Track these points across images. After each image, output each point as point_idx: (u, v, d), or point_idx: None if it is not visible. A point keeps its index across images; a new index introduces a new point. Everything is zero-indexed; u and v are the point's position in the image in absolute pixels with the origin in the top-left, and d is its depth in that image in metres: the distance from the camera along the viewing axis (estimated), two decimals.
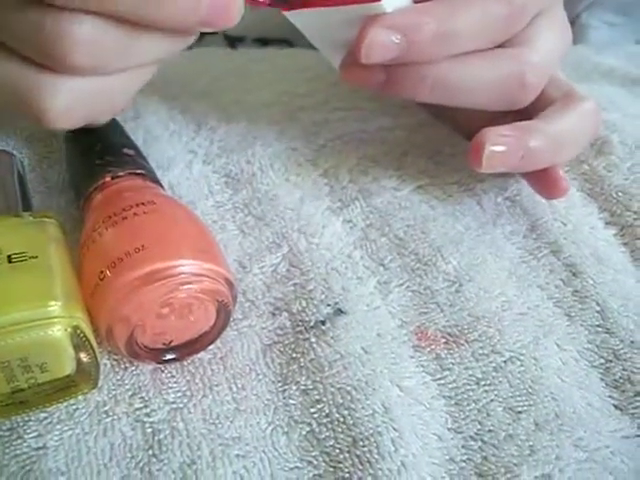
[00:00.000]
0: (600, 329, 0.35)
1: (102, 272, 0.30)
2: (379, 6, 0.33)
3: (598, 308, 0.36)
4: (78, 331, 0.28)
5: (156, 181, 0.36)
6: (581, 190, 0.42)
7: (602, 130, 0.45)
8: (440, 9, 0.34)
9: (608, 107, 0.47)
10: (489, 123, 0.37)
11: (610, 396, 0.33)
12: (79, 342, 0.29)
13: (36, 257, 0.29)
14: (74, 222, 0.37)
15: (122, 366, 0.32)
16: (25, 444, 0.29)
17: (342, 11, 0.34)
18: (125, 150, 0.37)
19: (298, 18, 0.36)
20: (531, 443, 0.30)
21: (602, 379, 0.34)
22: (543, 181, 0.39)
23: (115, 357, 0.32)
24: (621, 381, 0.34)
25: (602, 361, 0.34)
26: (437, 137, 0.45)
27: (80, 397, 0.31)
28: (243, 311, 0.35)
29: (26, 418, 0.30)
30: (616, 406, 0.33)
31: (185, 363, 0.32)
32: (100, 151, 0.37)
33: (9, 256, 0.29)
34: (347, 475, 0.29)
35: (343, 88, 0.49)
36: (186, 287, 0.30)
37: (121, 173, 0.35)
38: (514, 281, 0.37)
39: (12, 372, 0.28)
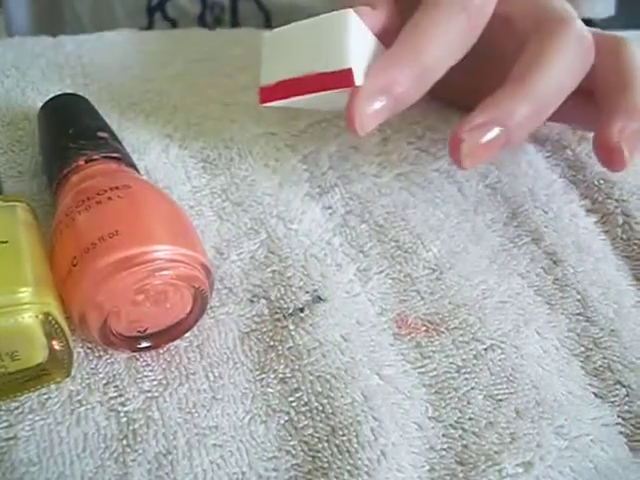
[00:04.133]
0: (580, 317, 0.35)
1: (75, 258, 0.29)
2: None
3: (579, 297, 0.36)
4: (50, 318, 0.28)
5: (131, 165, 0.36)
6: (563, 177, 0.42)
7: None
8: (407, 50, 0.34)
9: None
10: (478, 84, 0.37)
11: (590, 384, 0.33)
12: (51, 329, 0.28)
13: (6, 242, 0.29)
14: (47, 207, 0.36)
15: (96, 354, 0.31)
16: None
17: (319, 96, 0.34)
18: (99, 133, 0.36)
19: (277, 104, 0.36)
20: (512, 431, 0.30)
21: (582, 367, 0.34)
22: (598, 151, 0.38)
23: (89, 345, 0.31)
24: (601, 369, 0.33)
25: (582, 349, 0.34)
26: (418, 124, 0.45)
27: (52, 386, 0.30)
28: (220, 298, 0.34)
29: None
30: (596, 394, 0.33)
31: (161, 351, 0.32)
32: (74, 134, 0.36)
33: None
34: (326, 465, 0.28)
35: None
36: (161, 273, 0.29)
37: (95, 156, 0.34)
38: (495, 269, 0.37)
39: None
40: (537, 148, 0.44)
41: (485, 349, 0.33)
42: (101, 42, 0.50)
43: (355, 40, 0.34)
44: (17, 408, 0.29)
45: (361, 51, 0.34)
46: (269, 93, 0.35)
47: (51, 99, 0.39)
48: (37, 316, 0.27)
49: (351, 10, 0.34)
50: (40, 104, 0.40)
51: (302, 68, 0.34)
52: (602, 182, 0.41)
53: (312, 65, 0.34)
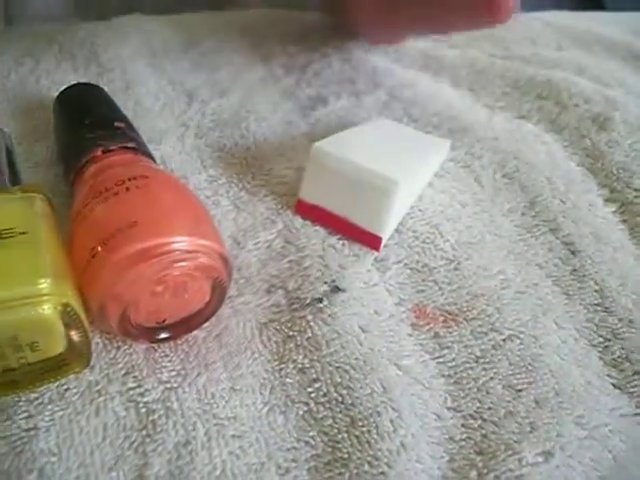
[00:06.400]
0: (599, 308, 0.35)
1: (93, 249, 0.29)
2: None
3: (597, 287, 0.36)
4: (69, 309, 0.28)
5: (148, 155, 0.35)
6: (582, 165, 0.42)
7: (604, 106, 0.44)
8: None
9: (610, 82, 0.47)
10: None
11: (609, 375, 0.33)
12: (70, 320, 0.28)
13: (25, 233, 0.29)
14: (63, 197, 0.36)
15: (115, 345, 0.31)
16: (15, 425, 0.28)
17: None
18: (116, 123, 0.36)
19: None
20: (531, 420, 0.30)
21: (601, 358, 0.33)
22: None
23: (107, 336, 0.31)
24: (620, 360, 0.33)
25: (601, 340, 0.34)
26: (437, 115, 0.45)
27: (71, 377, 0.30)
28: (238, 288, 0.34)
29: (16, 399, 0.29)
30: (615, 385, 0.32)
31: (179, 342, 0.32)
32: (90, 124, 0.36)
33: None
34: (346, 455, 0.28)
35: (336, 62, 0.48)
36: (180, 264, 0.29)
37: (112, 147, 0.34)
38: (512, 259, 0.37)
39: (2, 351, 0.28)
40: (555, 137, 0.44)
41: (504, 339, 0.33)
42: (114, 28, 0.50)
43: (396, 209, 0.36)
44: (37, 399, 0.29)
45: (396, 217, 0.37)
46: (305, 209, 0.38)
47: (66, 89, 0.39)
48: (56, 307, 0.27)
49: (400, 181, 0.34)
50: (54, 93, 0.40)
51: (341, 208, 0.36)
52: (621, 171, 0.41)
53: (350, 212, 0.36)
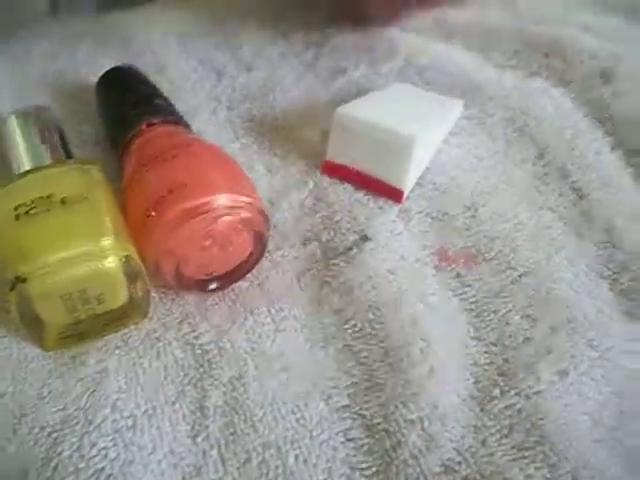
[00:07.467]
0: (608, 244, 0.38)
1: (147, 210, 0.32)
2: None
3: (605, 226, 0.39)
4: (131, 262, 0.31)
5: (187, 126, 0.39)
6: (589, 116, 0.45)
7: (608, 61, 0.47)
8: None
9: (614, 38, 0.49)
10: None
11: (619, 303, 0.36)
12: (131, 272, 0.31)
13: (86, 199, 0.32)
14: (111, 170, 0.39)
15: (169, 298, 0.35)
16: (88, 369, 0.32)
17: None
18: (156, 100, 0.40)
19: None
20: (547, 344, 0.33)
21: (611, 289, 0.36)
22: None
23: (163, 291, 0.35)
24: (629, 290, 0.36)
25: (610, 273, 0.37)
26: (451, 75, 0.47)
27: (132, 327, 0.34)
28: (276, 243, 0.37)
29: (86, 347, 0.33)
30: (624, 312, 0.35)
31: (226, 291, 0.35)
32: (134, 102, 0.39)
33: (62, 199, 0.31)
34: (381, 381, 0.32)
35: (352, 34, 0.51)
36: (224, 219, 0.32)
37: (155, 120, 0.38)
38: (526, 205, 0.40)
39: (73, 304, 0.31)
40: (562, 91, 0.46)
41: (520, 275, 0.36)
42: (143, 16, 0.53)
43: (414, 163, 0.39)
44: (104, 345, 0.33)
45: (416, 171, 0.40)
46: (332, 169, 0.41)
47: (107, 72, 0.43)
48: (120, 260, 0.31)
49: (416, 137, 0.37)
50: (93, 77, 0.43)
51: (365, 166, 0.40)
52: (626, 120, 0.43)
53: (374, 168, 0.39)
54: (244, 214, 0.33)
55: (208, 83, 0.47)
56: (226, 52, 0.50)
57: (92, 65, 0.47)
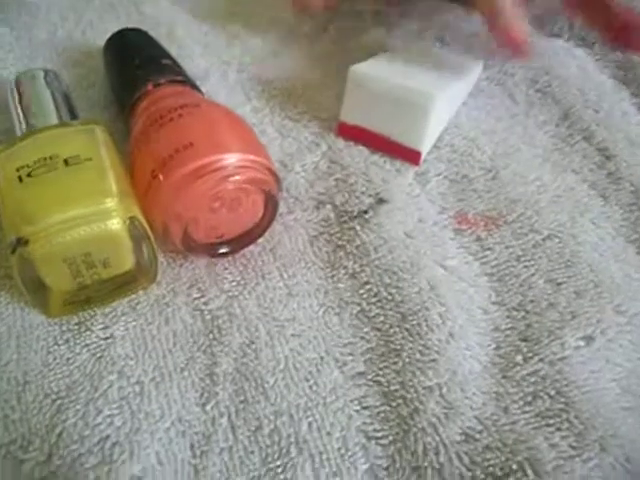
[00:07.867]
0: (634, 207, 0.36)
1: (154, 170, 0.31)
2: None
3: (632, 188, 0.37)
4: (136, 223, 0.30)
5: (196, 88, 0.37)
6: (614, 77, 0.43)
7: None
8: None
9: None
10: None
11: None
12: (137, 234, 0.30)
13: (90, 159, 0.31)
14: (119, 134, 0.38)
15: (178, 262, 0.34)
16: (94, 335, 0.31)
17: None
18: (163, 61, 0.38)
19: None
20: (572, 309, 0.32)
21: (638, 253, 0.35)
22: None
23: (171, 256, 0.34)
24: None
25: (637, 236, 0.35)
26: (473, 36, 0.46)
27: (140, 292, 0.33)
28: (288, 206, 0.36)
29: (92, 313, 0.32)
30: None
31: (236, 256, 0.34)
32: (140, 63, 0.38)
33: (65, 159, 0.30)
34: (398, 347, 0.31)
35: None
36: (233, 178, 0.31)
37: (162, 80, 0.36)
38: (548, 167, 0.38)
39: (77, 268, 0.30)
40: (586, 51, 0.45)
41: (543, 239, 0.35)
42: None
43: (432, 123, 0.37)
44: (111, 312, 0.32)
45: (433, 133, 0.38)
46: (347, 131, 0.39)
47: (114, 34, 0.41)
48: (124, 221, 0.30)
49: (435, 95, 0.36)
50: (100, 42, 0.42)
51: (381, 127, 0.38)
52: None
53: (389, 129, 0.38)
54: (253, 173, 0.31)
55: (219, 46, 0.45)
56: (239, 18, 0.48)
57: (100, 30, 0.46)
